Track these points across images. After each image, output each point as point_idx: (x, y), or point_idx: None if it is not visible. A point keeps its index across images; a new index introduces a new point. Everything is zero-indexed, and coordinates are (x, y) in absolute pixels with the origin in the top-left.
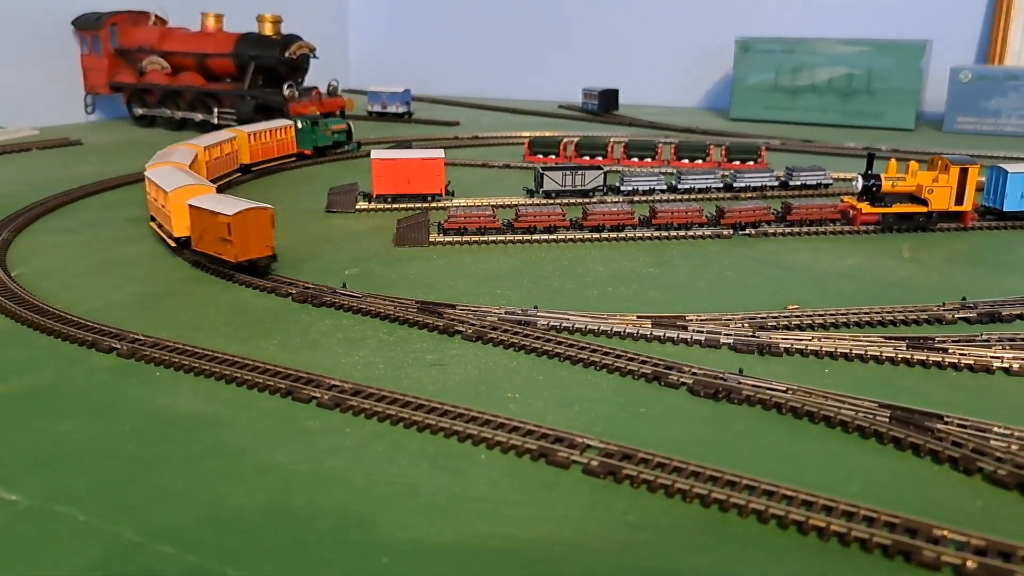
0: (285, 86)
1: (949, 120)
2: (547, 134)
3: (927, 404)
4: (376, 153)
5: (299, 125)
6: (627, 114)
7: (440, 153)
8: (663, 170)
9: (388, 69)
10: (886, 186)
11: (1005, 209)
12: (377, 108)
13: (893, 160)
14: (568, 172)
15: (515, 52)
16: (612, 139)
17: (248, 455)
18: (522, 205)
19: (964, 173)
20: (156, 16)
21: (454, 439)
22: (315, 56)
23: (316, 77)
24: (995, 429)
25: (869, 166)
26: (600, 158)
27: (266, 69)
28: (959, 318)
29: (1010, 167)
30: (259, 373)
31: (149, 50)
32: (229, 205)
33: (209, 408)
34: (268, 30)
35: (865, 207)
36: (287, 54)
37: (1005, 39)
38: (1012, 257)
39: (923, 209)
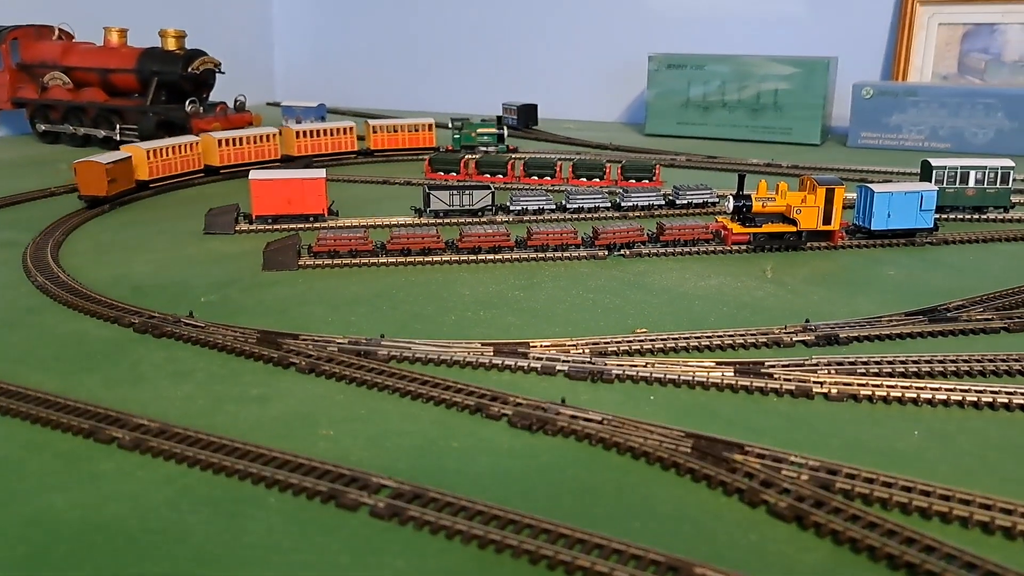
0: (188, 102)
1: (853, 135)
2: (451, 150)
3: (742, 431)
4: (254, 174)
5: (450, 126)
6: (547, 129)
7: (321, 173)
8: (561, 188)
9: (313, 82)
10: (756, 206)
11: (873, 228)
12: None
13: (763, 181)
14: (456, 191)
15: (441, 65)
16: (513, 157)
17: (17, 502)
18: (400, 226)
19: (830, 193)
20: (61, 30)
21: (247, 481)
22: (220, 71)
23: (242, 91)
24: (791, 458)
25: (740, 187)
26: (501, 176)
27: (169, 84)
28: (797, 341)
29: (877, 187)
30: (64, 412)
31: (52, 65)
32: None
33: (1, 451)
34: (171, 45)
35: (736, 227)
36: (190, 69)
37: (908, 56)
38: (868, 277)
39: (792, 229)
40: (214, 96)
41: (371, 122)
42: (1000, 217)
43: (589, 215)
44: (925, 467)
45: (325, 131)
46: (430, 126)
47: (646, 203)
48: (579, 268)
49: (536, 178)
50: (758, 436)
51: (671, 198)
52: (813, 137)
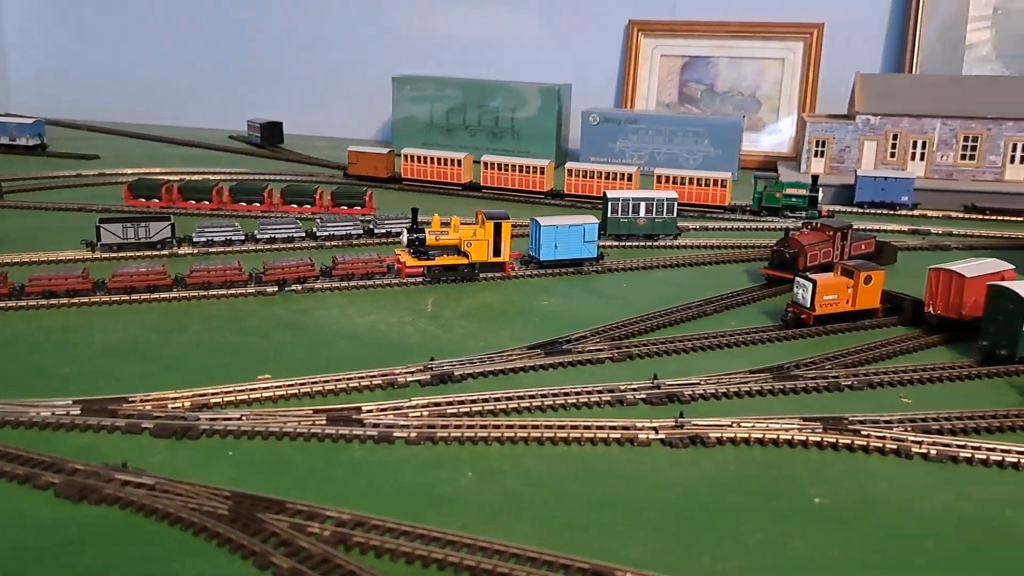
0: None
1: (584, 159)
2: (157, 172)
3: (309, 485)
4: None
5: (754, 182)
6: (293, 147)
7: None
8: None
9: (52, 94)
10: (430, 240)
11: (542, 259)
12: (4, 140)
13: (437, 215)
14: (130, 224)
15: (187, 78)
16: (220, 183)
17: None
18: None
19: (498, 227)
20: None
21: None
22: None
23: None
24: (326, 513)
25: (414, 220)
26: (308, 206)
27: None
28: (413, 381)
29: (544, 220)
30: None
31: None
32: None
33: None
34: None
35: (410, 260)
36: None
37: (635, 84)
38: (524, 307)
39: (465, 261)
40: None
41: None
42: (670, 244)
43: (340, 242)
44: (457, 510)
45: None
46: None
47: (343, 232)
48: (243, 307)
49: (296, 206)
50: (321, 488)
51: (370, 226)
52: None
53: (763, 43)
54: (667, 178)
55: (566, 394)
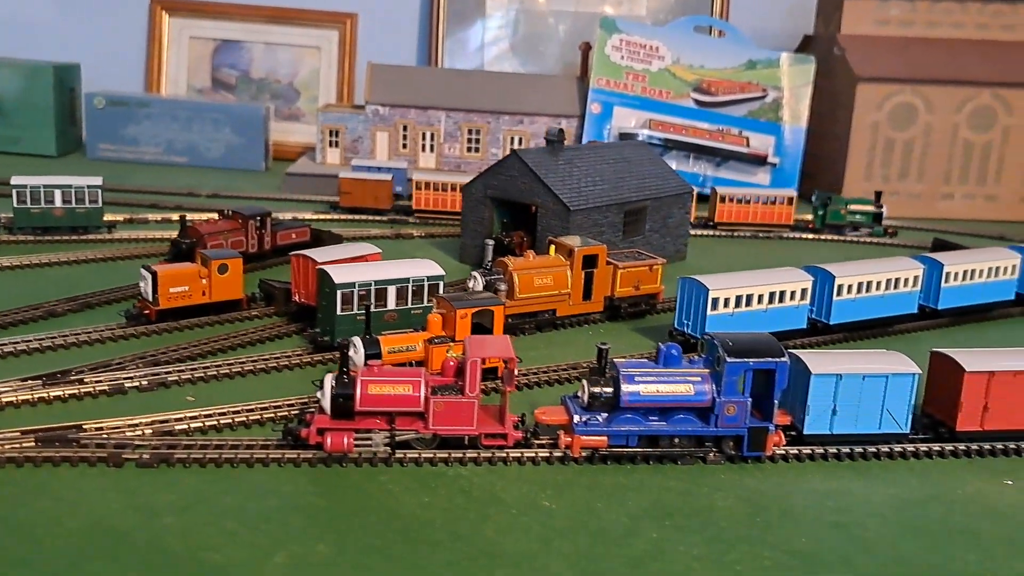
0: None
1: (91, 147)
2: None
3: None
4: None
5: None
6: None
7: None
8: None
9: None
10: None
11: None
12: None
13: None
14: None
15: None
16: None
17: None
18: None
19: None
20: None
21: None
22: None
23: None
24: None
25: None
26: None
27: None
28: None
29: None
30: None
31: None
32: None
33: None
34: None
35: None
36: None
37: (161, 67)
38: None
39: None
40: None
41: None
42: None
43: None
44: None
45: None
46: None
47: None
48: None
49: None
50: None
51: None
52: (48, 148)
53: (298, 30)
54: (730, 198)
55: None
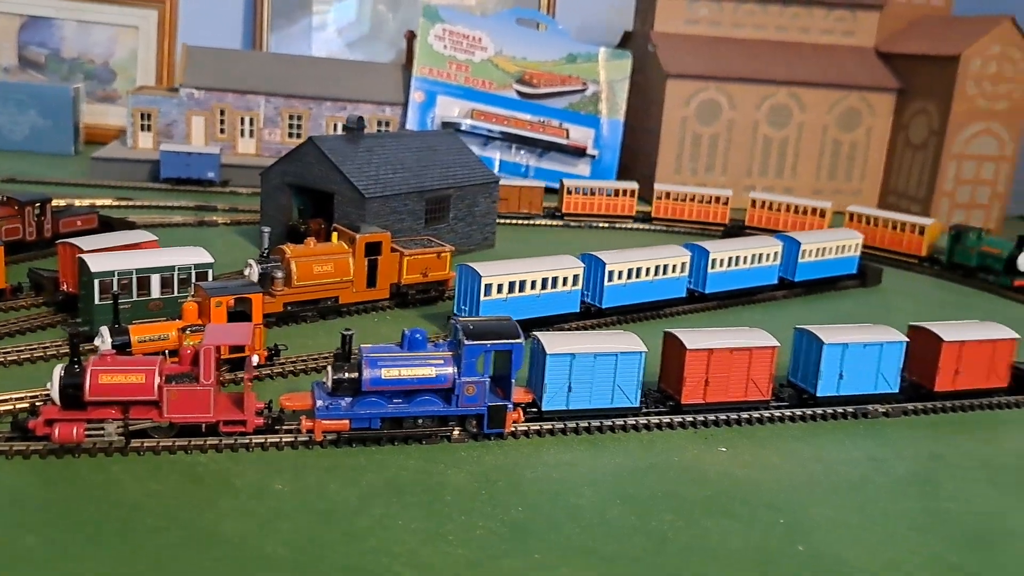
0: None
1: None
2: None
3: None
4: None
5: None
6: None
7: None
8: None
9: None
10: None
11: None
12: None
13: None
14: None
15: None
16: None
17: None
18: None
19: None
20: None
21: None
22: None
23: None
24: None
25: None
26: None
27: None
28: None
29: None
30: None
31: None
32: None
33: None
34: None
35: None
36: None
37: None
38: None
39: None
40: None
41: None
42: None
43: None
44: None
45: None
46: None
47: None
48: None
49: None
50: None
51: None
52: None
53: (114, 8)
54: (858, 216)
55: None
